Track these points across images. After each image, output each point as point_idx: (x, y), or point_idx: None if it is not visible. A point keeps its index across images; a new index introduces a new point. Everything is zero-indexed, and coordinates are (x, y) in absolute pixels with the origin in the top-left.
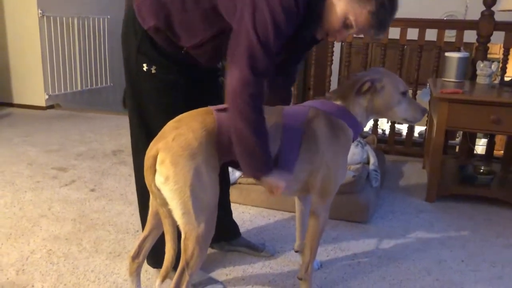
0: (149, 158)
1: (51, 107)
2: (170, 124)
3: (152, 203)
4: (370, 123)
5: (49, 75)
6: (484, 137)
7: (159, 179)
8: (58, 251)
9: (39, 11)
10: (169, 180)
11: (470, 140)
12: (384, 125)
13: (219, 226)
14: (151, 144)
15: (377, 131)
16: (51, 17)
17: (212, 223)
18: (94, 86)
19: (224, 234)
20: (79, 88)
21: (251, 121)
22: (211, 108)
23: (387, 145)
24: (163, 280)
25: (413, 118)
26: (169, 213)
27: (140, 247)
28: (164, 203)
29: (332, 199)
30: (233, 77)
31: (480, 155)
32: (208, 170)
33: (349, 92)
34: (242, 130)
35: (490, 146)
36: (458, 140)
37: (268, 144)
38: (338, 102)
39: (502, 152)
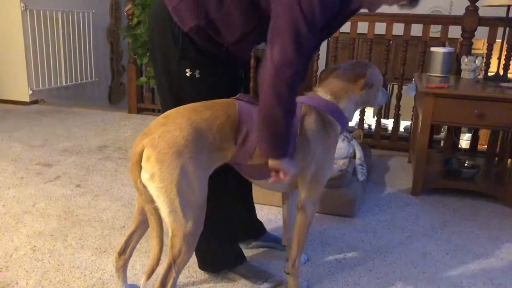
0: (135, 154)
1: (35, 102)
2: (158, 119)
3: (138, 199)
4: (356, 118)
5: (33, 70)
6: (469, 131)
7: (144, 176)
8: (42, 248)
9: (22, 5)
10: (154, 177)
11: (455, 134)
12: (370, 120)
13: (244, 225)
14: (137, 139)
15: (363, 126)
16: (35, 11)
17: (200, 220)
18: (78, 81)
19: (250, 231)
20: (63, 83)
21: (286, 104)
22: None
23: (373, 139)
24: (148, 277)
25: (383, 101)
26: (155, 210)
27: (127, 243)
28: (150, 200)
29: (319, 194)
30: (275, 55)
31: (465, 149)
32: (195, 169)
33: (342, 90)
34: (275, 111)
35: (474, 141)
36: (443, 134)
37: (292, 128)
38: (328, 97)
39: (486, 146)
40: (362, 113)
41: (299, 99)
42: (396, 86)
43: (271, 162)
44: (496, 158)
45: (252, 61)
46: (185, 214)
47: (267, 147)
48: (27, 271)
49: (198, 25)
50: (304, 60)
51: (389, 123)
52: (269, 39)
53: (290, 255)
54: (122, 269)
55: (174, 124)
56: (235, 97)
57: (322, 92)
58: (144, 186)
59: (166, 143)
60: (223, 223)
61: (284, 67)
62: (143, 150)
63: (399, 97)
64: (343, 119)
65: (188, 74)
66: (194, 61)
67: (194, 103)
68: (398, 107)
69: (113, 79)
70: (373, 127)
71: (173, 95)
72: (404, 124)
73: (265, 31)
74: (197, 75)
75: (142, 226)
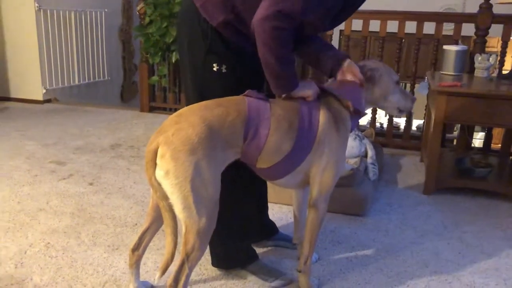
0: (149, 152)
1: (48, 101)
2: (171, 118)
3: (153, 196)
4: (368, 117)
5: (46, 69)
6: (482, 130)
7: (159, 173)
8: (56, 245)
9: (36, 5)
10: (169, 174)
11: (468, 133)
12: (382, 118)
13: (260, 225)
14: (152, 138)
15: (375, 124)
16: (48, 11)
17: (214, 217)
18: (91, 80)
19: (264, 232)
20: (76, 82)
21: (275, 51)
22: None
23: (385, 138)
24: (163, 273)
25: (405, 107)
26: (170, 207)
27: (140, 239)
28: (165, 197)
29: (331, 191)
30: (260, 9)
31: (478, 148)
32: (209, 166)
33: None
34: (267, 59)
35: (488, 139)
36: (455, 133)
37: (292, 66)
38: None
39: (500, 145)
40: (374, 112)
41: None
42: (408, 85)
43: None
44: (510, 157)
45: None
46: (198, 210)
47: (274, 87)
48: (41, 268)
49: (226, 19)
50: (285, 19)
51: (401, 121)
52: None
53: (302, 253)
54: (135, 265)
55: (187, 122)
56: (243, 94)
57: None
58: (159, 183)
59: (180, 140)
60: (238, 221)
61: (263, 21)
62: (158, 148)
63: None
64: (360, 101)
65: (215, 69)
66: (221, 56)
67: (206, 101)
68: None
69: (125, 77)
70: (385, 126)
71: (198, 90)
72: (416, 123)
73: None
74: (224, 70)
75: (155, 223)
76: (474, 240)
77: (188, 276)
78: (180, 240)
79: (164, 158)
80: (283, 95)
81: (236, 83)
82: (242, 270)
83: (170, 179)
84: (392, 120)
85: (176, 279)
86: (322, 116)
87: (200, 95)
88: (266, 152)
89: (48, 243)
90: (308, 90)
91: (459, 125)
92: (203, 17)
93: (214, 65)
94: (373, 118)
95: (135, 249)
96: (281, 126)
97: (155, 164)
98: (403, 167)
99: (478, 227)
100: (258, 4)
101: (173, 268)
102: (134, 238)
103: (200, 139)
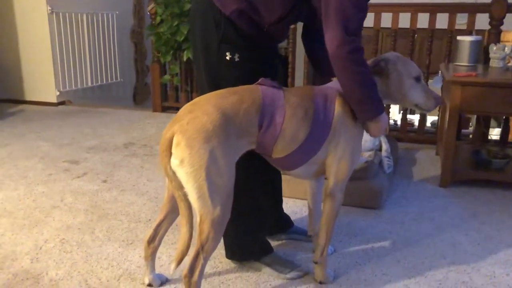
0: (165, 141)
1: (62, 103)
2: (186, 107)
3: (168, 186)
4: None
5: (60, 71)
6: (498, 126)
7: (174, 162)
8: (71, 240)
9: (48, 8)
10: (184, 162)
11: (484, 125)
12: (395, 115)
13: (274, 218)
14: (167, 127)
15: (389, 119)
16: (60, 14)
17: (228, 206)
18: (104, 82)
19: (279, 226)
20: (89, 84)
21: (354, 74)
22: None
23: (400, 132)
24: (178, 263)
25: (425, 105)
26: (185, 197)
27: (156, 231)
28: (180, 186)
29: (347, 181)
30: (329, 40)
31: (495, 141)
32: (224, 154)
33: None
34: (349, 85)
35: (505, 131)
36: (471, 129)
37: (375, 88)
38: None
39: None
40: (387, 108)
41: (329, 84)
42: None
43: (369, 124)
44: None
45: (291, 57)
46: (213, 199)
47: (359, 111)
48: (56, 263)
49: (240, 8)
50: (354, 38)
51: (415, 118)
52: (323, 22)
53: (318, 244)
54: (150, 257)
55: (202, 110)
56: (257, 82)
57: None
58: (174, 172)
59: (195, 128)
60: (253, 213)
61: (339, 49)
62: (173, 137)
63: None
64: None
65: (228, 58)
66: (234, 44)
67: (220, 90)
68: None
69: (138, 79)
70: (398, 123)
71: (211, 79)
72: (431, 119)
73: (302, 11)
74: (237, 59)
75: (171, 214)
76: (492, 231)
77: (203, 266)
78: (196, 231)
79: (180, 147)
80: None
81: (249, 72)
82: (257, 262)
83: (185, 167)
84: (406, 116)
85: (191, 270)
86: (338, 105)
87: (214, 84)
88: (281, 141)
89: (63, 238)
90: (386, 122)
91: (475, 120)
92: (216, 7)
93: (227, 53)
94: (387, 113)
95: (150, 241)
96: (296, 113)
97: (170, 153)
98: (418, 161)
99: (497, 218)
100: (275, 1)
101: (188, 259)
102: (149, 231)
103: (215, 126)
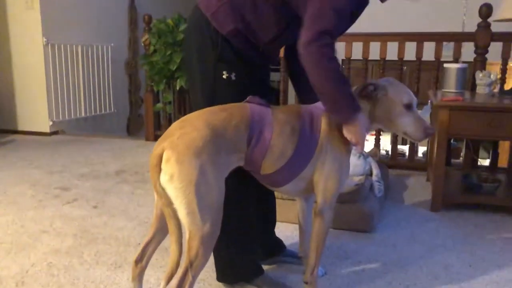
0: (154, 157)
1: (55, 133)
2: (176, 123)
3: (157, 205)
4: (372, 139)
5: (53, 101)
6: (487, 156)
7: (164, 178)
8: (58, 264)
9: (44, 39)
10: (173, 178)
11: (473, 151)
12: (387, 146)
13: (271, 241)
14: (157, 143)
15: (379, 144)
16: (56, 45)
17: (218, 223)
18: (98, 112)
19: (273, 248)
20: (83, 115)
21: (326, 70)
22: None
23: (390, 160)
24: (167, 282)
25: (414, 135)
26: (174, 214)
27: (144, 251)
28: (169, 203)
29: (335, 199)
30: (302, 37)
31: (485, 166)
32: (213, 169)
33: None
34: (320, 81)
35: (494, 157)
36: (462, 159)
37: (348, 86)
38: None
39: (507, 164)
40: (378, 133)
41: (315, 104)
42: None
43: (346, 128)
44: None
45: (283, 85)
46: (202, 215)
47: (333, 110)
48: (42, 286)
49: (236, 28)
50: (327, 37)
51: (406, 149)
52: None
53: (308, 264)
54: (138, 278)
55: (192, 126)
56: (245, 100)
57: None
58: (163, 189)
59: (185, 144)
60: (245, 234)
61: (309, 45)
62: (163, 152)
63: None
64: None
65: (224, 77)
66: (231, 64)
67: (210, 107)
68: None
69: (131, 110)
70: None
71: (207, 99)
72: (422, 149)
73: (295, 30)
74: (233, 78)
75: (160, 233)
76: (484, 253)
77: (191, 284)
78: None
79: (169, 162)
80: (345, 128)
81: (245, 91)
82: (247, 285)
83: (175, 182)
84: (397, 140)
85: (180, 287)
86: (324, 123)
87: (209, 103)
88: (269, 157)
89: (50, 262)
90: (362, 125)
91: (464, 146)
92: (212, 26)
93: (224, 72)
94: (377, 139)
95: (138, 260)
96: (284, 130)
97: (160, 169)
98: (409, 187)
99: (488, 241)
100: (267, 14)
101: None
102: (138, 250)
103: (204, 142)
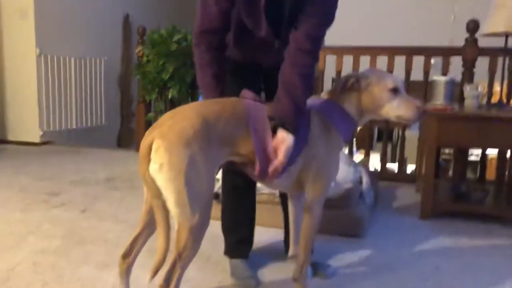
0: (144, 147)
1: (45, 143)
2: (167, 114)
3: (146, 199)
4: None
5: (45, 112)
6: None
7: (153, 167)
8: (44, 263)
9: (37, 50)
10: (163, 167)
11: (462, 165)
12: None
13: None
14: (147, 133)
15: (369, 153)
16: (49, 56)
17: (207, 214)
18: (89, 124)
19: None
20: (73, 126)
21: (306, 69)
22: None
23: (380, 172)
24: (154, 274)
25: (407, 116)
26: (163, 206)
27: (132, 245)
28: (158, 195)
29: (325, 195)
30: (302, 33)
31: (473, 179)
32: (204, 160)
33: (336, 89)
34: (296, 79)
35: (482, 169)
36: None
37: (307, 98)
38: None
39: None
40: (370, 139)
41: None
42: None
43: (280, 134)
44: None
45: None
46: (192, 206)
47: (295, 113)
48: (27, 283)
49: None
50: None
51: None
52: (301, 23)
53: (297, 261)
54: (125, 273)
55: (183, 115)
56: (240, 95)
57: (325, 94)
58: (153, 180)
59: (175, 133)
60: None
61: (307, 43)
62: (153, 142)
63: (403, 137)
64: (346, 118)
65: None
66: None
67: (203, 100)
68: (403, 138)
69: (123, 124)
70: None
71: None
72: (411, 167)
73: (260, 30)
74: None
75: (148, 228)
76: (474, 257)
77: (180, 276)
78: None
79: (159, 151)
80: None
81: (235, 91)
82: (230, 259)
83: (164, 172)
84: (386, 152)
85: (167, 280)
86: (314, 119)
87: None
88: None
89: (36, 261)
90: (290, 143)
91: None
92: None
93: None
94: (367, 152)
95: (125, 255)
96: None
97: (149, 159)
98: (398, 197)
99: (477, 247)
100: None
101: (164, 269)
102: (126, 244)
103: (195, 131)
